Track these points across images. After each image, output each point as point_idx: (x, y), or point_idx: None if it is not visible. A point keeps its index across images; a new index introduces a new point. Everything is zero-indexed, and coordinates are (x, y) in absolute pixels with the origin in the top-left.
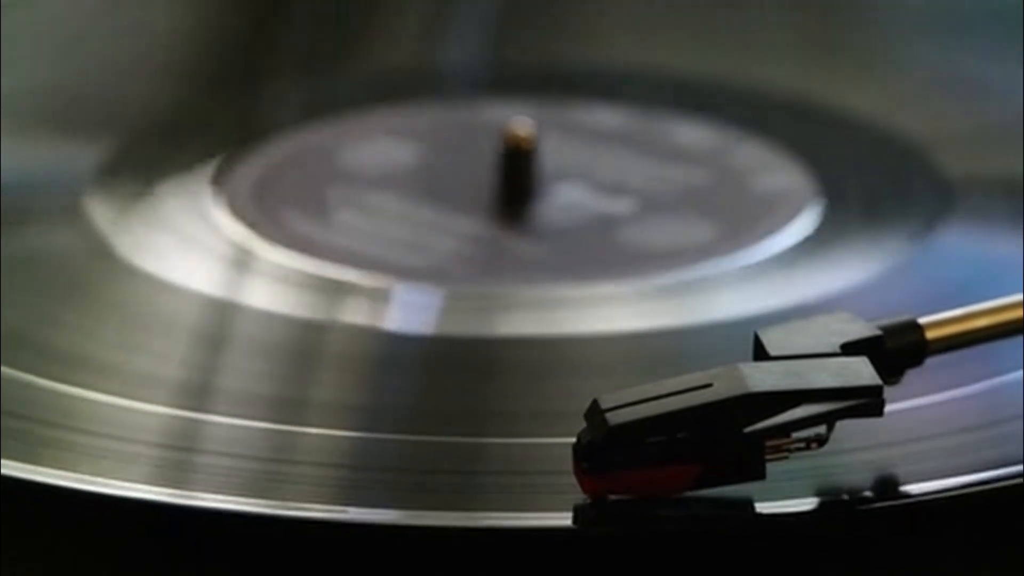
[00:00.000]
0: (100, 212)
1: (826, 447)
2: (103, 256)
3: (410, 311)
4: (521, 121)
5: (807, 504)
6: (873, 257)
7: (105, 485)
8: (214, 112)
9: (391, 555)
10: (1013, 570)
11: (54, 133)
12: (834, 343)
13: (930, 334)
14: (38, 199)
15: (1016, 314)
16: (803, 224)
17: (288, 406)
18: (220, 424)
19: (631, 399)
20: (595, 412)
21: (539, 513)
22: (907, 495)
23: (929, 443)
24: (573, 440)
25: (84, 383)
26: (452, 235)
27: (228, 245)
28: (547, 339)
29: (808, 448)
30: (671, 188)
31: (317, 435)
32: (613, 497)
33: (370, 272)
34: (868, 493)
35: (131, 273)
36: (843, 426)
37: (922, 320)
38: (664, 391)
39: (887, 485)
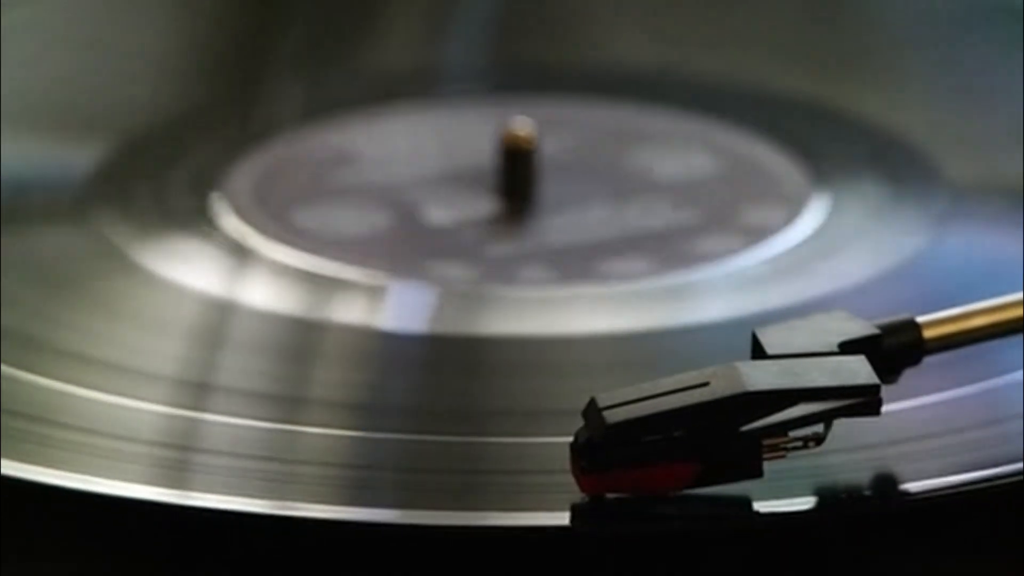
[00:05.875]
0: (100, 211)
1: (824, 446)
2: (103, 255)
3: (409, 310)
4: (521, 121)
5: (805, 503)
6: (873, 257)
7: (105, 485)
8: (214, 112)
9: (389, 554)
10: (1013, 570)
11: (54, 133)
12: (832, 342)
13: (928, 333)
14: (38, 198)
15: (1014, 313)
16: (804, 224)
17: (289, 405)
18: (220, 423)
19: (629, 397)
20: (593, 410)
21: (537, 512)
22: (906, 494)
23: (928, 442)
24: (571, 439)
25: (84, 382)
26: (451, 234)
27: (228, 244)
28: (545, 338)
29: (806, 447)
30: (671, 188)
31: (317, 434)
32: (611, 496)
33: (369, 271)
34: (867, 492)
35: (131, 272)
36: (841, 425)
37: (920, 319)
38: (661, 390)
39: (886, 484)
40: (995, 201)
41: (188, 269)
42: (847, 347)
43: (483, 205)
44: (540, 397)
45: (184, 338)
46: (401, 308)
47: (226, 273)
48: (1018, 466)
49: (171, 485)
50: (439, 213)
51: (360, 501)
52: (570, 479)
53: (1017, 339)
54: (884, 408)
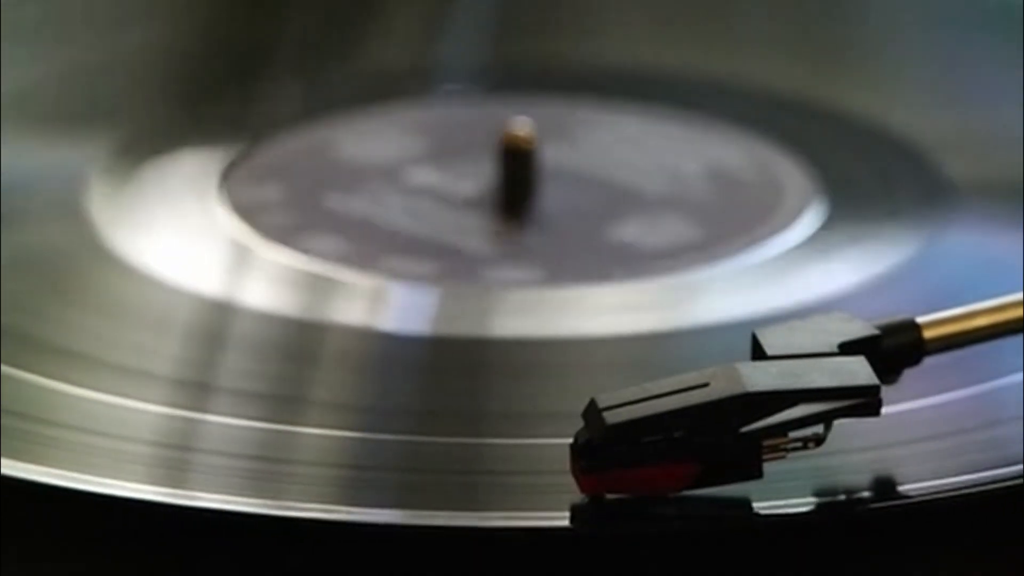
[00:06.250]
0: (99, 211)
1: (824, 447)
2: (102, 255)
3: (408, 311)
4: (521, 121)
5: (805, 504)
6: (873, 258)
7: (105, 485)
8: (214, 111)
9: (388, 555)
10: (1013, 570)
11: (54, 132)
12: (832, 343)
13: (927, 333)
14: (38, 198)
15: (1014, 314)
16: (804, 225)
17: (289, 406)
18: (220, 424)
19: (628, 398)
20: (593, 411)
21: (537, 512)
22: (906, 495)
23: (928, 444)
24: (571, 440)
25: (84, 382)
26: (451, 235)
27: (227, 244)
28: (546, 340)
29: (806, 448)
30: (671, 188)
31: (316, 435)
32: (611, 496)
33: (368, 271)
34: (866, 493)
35: (130, 272)
36: (841, 426)
37: (919, 319)
38: (661, 390)
39: (885, 485)
40: (995, 201)
41: (188, 269)
42: (847, 348)
43: (482, 205)
44: (540, 398)
45: (184, 338)
46: (398, 309)
47: (227, 273)
48: (1018, 468)
49: (171, 485)
50: (437, 213)
51: (360, 501)
52: (570, 479)
53: (1017, 340)
54: (884, 409)
